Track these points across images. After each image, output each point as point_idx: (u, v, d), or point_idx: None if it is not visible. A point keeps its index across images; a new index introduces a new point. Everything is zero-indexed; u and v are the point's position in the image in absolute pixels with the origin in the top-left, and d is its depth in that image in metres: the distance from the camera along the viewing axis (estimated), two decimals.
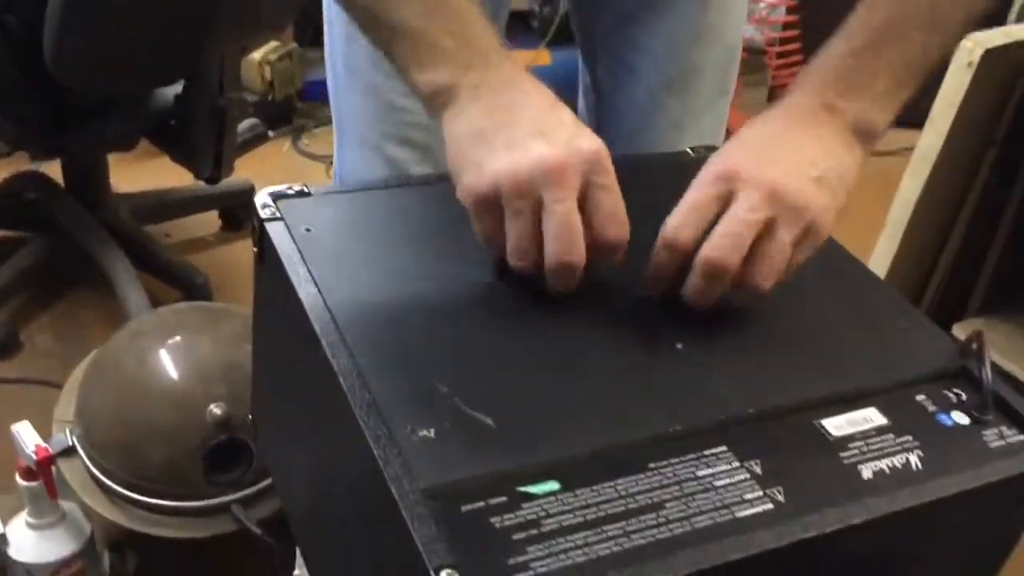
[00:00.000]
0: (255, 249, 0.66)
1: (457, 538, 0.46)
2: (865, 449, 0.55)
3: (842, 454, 0.54)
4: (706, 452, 0.53)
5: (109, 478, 1.17)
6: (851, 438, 0.56)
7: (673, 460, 0.52)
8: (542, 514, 0.48)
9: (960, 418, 0.58)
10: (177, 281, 1.65)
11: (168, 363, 1.17)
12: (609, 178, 0.59)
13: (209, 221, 1.88)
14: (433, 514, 0.47)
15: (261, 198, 0.65)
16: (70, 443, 1.20)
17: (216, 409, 1.12)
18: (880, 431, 0.56)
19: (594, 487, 0.50)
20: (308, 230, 0.63)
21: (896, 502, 0.52)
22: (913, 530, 0.54)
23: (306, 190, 0.67)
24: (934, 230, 1.66)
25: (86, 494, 1.19)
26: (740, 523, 0.49)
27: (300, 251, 0.61)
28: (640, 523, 0.48)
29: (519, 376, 0.56)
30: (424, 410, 0.52)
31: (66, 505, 1.22)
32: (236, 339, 1.19)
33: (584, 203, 0.58)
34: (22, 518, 1.20)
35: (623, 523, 0.48)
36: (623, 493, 0.50)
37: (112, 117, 1.56)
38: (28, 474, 1.16)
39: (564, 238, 0.57)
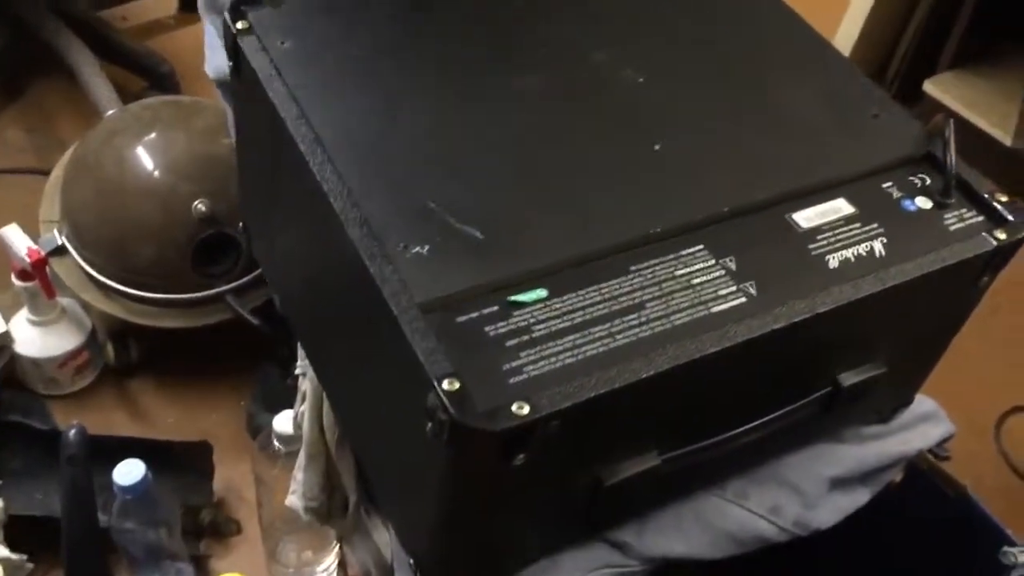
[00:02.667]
0: (230, 63, 0.66)
1: (455, 348, 0.49)
2: (832, 239, 0.58)
3: (810, 246, 0.58)
4: (683, 252, 0.56)
5: (102, 274, 1.20)
6: (819, 229, 0.59)
7: (653, 261, 0.55)
8: (532, 321, 0.52)
9: (923, 203, 0.61)
10: (141, 70, 1.62)
11: (148, 161, 1.18)
12: None
13: (166, 1, 1.81)
14: (431, 327, 0.50)
15: (231, 10, 0.64)
16: (60, 242, 1.22)
17: (201, 205, 1.14)
18: (848, 221, 0.59)
19: (579, 292, 0.53)
20: (283, 43, 0.63)
21: (860, 289, 0.56)
22: (877, 313, 0.58)
23: None
24: None
25: (82, 290, 1.23)
26: (716, 318, 0.53)
27: (277, 68, 0.61)
28: (623, 324, 0.52)
29: (503, 185, 0.58)
30: (415, 226, 0.54)
31: (64, 301, 1.27)
32: (211, 133, 1.19)
33: None
34: (23, 315, 1.24)
35: (608, 325, 0.52)
36: (607, 296, 0.53)
37: None
38: (24, 275, 1.19)
39: None
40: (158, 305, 1.21)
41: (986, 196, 0.61)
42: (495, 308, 0.52)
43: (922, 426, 0.73)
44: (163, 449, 1.14)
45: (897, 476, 0.72)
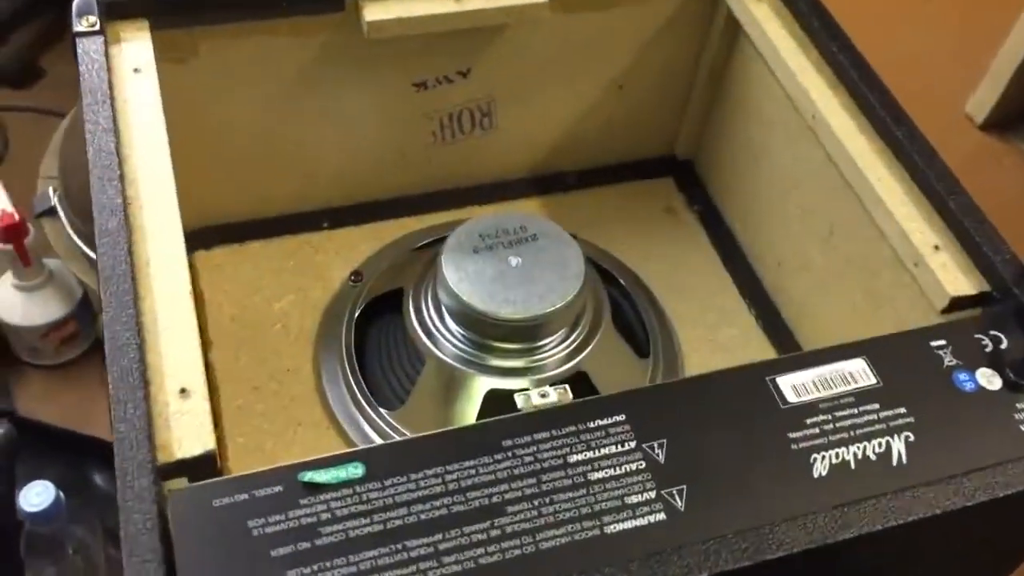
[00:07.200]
0: None
1: (191, 551, 0.33)
2: (829, 427, 0.39)
3: (793, 434, 0.38)
4: (592, 423, 0.38)
5: (89, 245, 1.09)
6: (814, 407, 0.39)
7: (542, 435, 0.37)
8: (326, 516, 0.35)
9: (988, 380, 0.41)
10: None
11: None
12: None
13: None
14: (163, 508, 0.34)
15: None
16: (53, 203, 1.11)
17: None
18: (861, 398, 0.40)
19: (412, 475, 0.36)
20: None
21: (845, 526, 0.36)
22: (883, 551, 0.39)
23: None
24: None
25: (69, 259, 1.11)
26: (606, 544, 0.35)
27: None
28: (462, 537, 0.35)
29: None
30: None
31: (54, 265, 1.15)
32: None
33: None
34: (8, 279, 1.14)
35: (438, 536, 0.35)
36: (452, 488, 0.36)
37: None
38: (5, 235, 1.08)
39: None
40: None
41: None
42: (278, 488, 0.35)
43: None
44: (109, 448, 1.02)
45: None
